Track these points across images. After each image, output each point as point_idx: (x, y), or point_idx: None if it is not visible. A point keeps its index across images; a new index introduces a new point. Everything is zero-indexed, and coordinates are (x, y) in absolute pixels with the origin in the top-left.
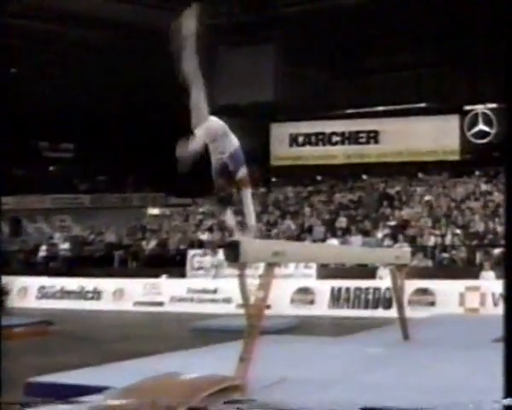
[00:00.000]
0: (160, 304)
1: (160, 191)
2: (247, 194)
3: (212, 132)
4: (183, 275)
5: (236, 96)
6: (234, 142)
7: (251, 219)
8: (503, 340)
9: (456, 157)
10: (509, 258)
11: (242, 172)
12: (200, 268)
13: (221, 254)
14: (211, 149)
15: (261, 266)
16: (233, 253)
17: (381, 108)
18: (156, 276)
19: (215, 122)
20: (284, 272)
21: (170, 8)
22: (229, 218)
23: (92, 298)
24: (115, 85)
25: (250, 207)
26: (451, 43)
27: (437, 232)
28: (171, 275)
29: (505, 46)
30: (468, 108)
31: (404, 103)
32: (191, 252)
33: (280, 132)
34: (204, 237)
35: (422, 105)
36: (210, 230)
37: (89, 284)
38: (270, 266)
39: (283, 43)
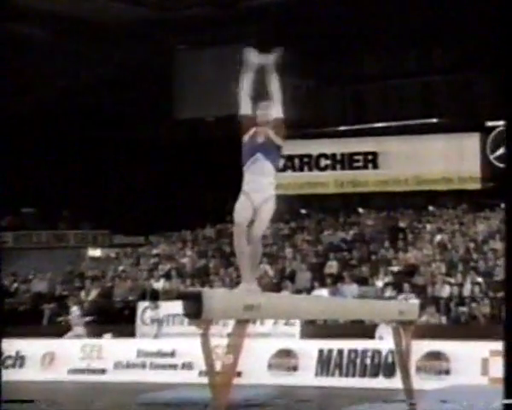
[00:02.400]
0: (103, 371)
1: (104, 228)
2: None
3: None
4: (131, 334)
5: (201, 109)
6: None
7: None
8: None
9: (475, 186)
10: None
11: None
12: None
13: (166, 307)
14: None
15: (230, 323)
16: (194, 307)
17: (381, 125)
18: (98, 335)
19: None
20: (260, 331)
21: None
22: None
23: (13, 365)
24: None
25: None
26: (469, 42)
27: (452, 281)
28: (117, 334)
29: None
30: (490, 124)
31: (410, 119)
32: (142, 304)
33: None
34: (159, 285)
35: (433, 121)
36: (167, 276)
37: (9, 346)
38: (242, 323)
39: (258, 42)
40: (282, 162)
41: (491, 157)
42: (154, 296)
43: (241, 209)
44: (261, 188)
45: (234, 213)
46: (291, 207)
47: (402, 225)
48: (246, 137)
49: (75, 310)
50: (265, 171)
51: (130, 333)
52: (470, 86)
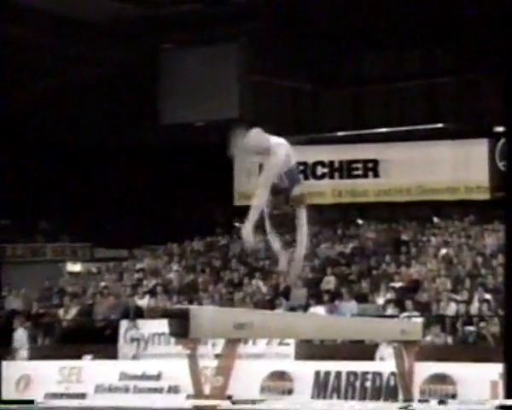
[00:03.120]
0: (82, 396)
1: (84, 241)
2: (303, 214)
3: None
4: (114, 355)
5: (188, 113)
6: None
7: (301, 247)
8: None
9: (484, 196)
10: None
11: (298, 189)
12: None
13: (151, 325)
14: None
15: (220, 343)
16: (181, 325)
17: (382, 130)
18: (77, 357)
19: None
20: (252, 351)
21: None
22: (275, 242)
23: None
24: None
25: (303, 229)
26: (477, 40)
27: (459, 298)
28: (98, 355)
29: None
30: (500, 129)
31: (414, 124)
32: (125, 323)
33: (246, 162)
34: (143, 302)
35: (438, 126)
36: (152, 292)
37: None
38: (232, 342)
39: (250, 42)
40: None
41: (501, 165)
42: (139, 314)
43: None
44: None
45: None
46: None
47: (404, 237)
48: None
49: (20, 332)
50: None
51: (113, 354)
52: (478, 89)
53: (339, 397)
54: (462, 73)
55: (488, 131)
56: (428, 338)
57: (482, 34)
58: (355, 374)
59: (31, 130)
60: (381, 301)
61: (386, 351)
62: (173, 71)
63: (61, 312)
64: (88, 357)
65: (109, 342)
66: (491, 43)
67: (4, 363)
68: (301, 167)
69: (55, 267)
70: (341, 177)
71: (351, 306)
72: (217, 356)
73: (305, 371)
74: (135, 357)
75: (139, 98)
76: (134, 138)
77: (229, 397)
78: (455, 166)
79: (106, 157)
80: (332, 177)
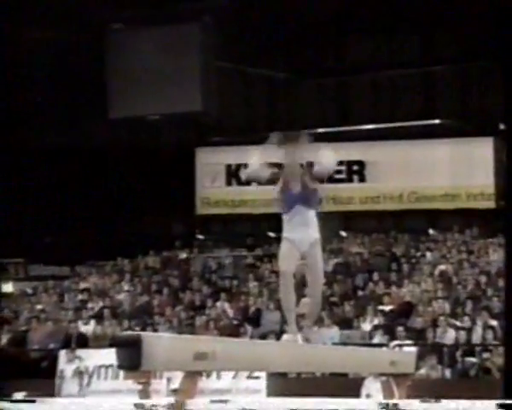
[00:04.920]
0: None
1: (17, 256)
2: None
3: None
4: (51, 393)
5: (140, 106)
6: None
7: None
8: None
9: (488, 204)
10: None
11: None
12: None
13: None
14: None
15: (177, 377)
16: (131, 355)
17: (369, 127)
18: (7, 396)
19: None
20: (215, 386)
21: None
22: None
23: None
24: None
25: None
26: (480, 24)
27: (458, 324)
28: (33, 393)
29: None
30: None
31: (406, 120)
32: (66, 354)
33: (211, 163)
34: (88, 328)
35: (436, 122)
36: (98, 317)
37: None
38: (192, 376)
39: (215, 21)
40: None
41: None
42: (82, 343)
43: (287, 256)
44: (306, 236)
45: (278, 261)
46: (256, 230)
47: (396, 252)
48: (277, 188)
49: None
50: (309, 220)
51: (50, 392)
52: (483, 79)
53: None
54: (464, 61)
55: (494, 128)
56: (423, 371)
57: (489, 14)
58: None
59: None
60: (367, 327)
61: (373, 386)
62: (123, 55)
63: None
64: (20, 395)
65: (46, 377)
66: (500, 25)
67: None
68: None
69: None
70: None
71: (332, 332)
72: (173, 392)
73: None
74: (77, 394)
75: (80, 88)
76: (78, 136)
77: None
78: (455, 169)
79: (46, 159)
80: None
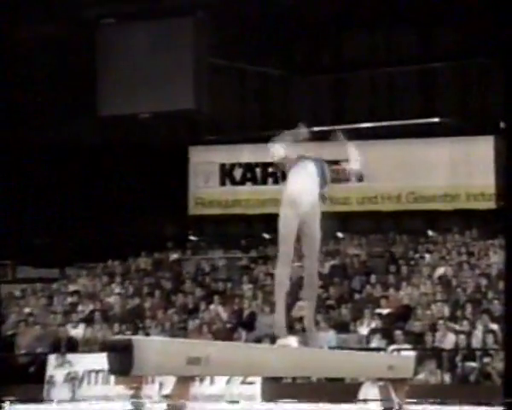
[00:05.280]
0: None
1: (4, 258)
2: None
3: None
4: (39, 399)
5: (131, 103)
6: None
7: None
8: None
9: (489, 204)
10: None
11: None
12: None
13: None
14: None
15: (170, 382)
16: (122, 360)
17: (366, 125)
18: None
19: None
20: (209, 392)
21: None
22: None
23: None
24: None
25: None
26: (481, 19)
27: (458, 327)
28: (21, 398)
29: None
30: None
31: (405, 118)
32: (55, 358)
33: (204, 162)
34: (78, 332)
35: (435, 121)
36: (88, 320)
37: None
38: (184, 381)
39: (209, 16)
40: (239, 173)
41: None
42: (71, 347)
43: (287, 222)
44: (307, 189)
45: (279, 225)
46: (251, 231)
47: (393, 254)
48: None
49: None
50: (310, 171)
51: (38, 397)
52: (483, 76)
53: None
54: (464, 58)
55: (495, 126)
56: (421, 376)
57: (488, 11)
58: None
59: None
60: (364, 330)
61: (370, 391)
62: (114, 51)
63: None
64: (6, 404)
65: (34, 382)
66: (500, 22)
67: None
68: (270, 170)
69: None
70: None
71: (329, 336)
72: (165, 397)
73: None
74: (66, 400)
75: (71, 85)
76: (67, 134)
77: None
78: (454, 168)
79: (34, 157)
80: None
